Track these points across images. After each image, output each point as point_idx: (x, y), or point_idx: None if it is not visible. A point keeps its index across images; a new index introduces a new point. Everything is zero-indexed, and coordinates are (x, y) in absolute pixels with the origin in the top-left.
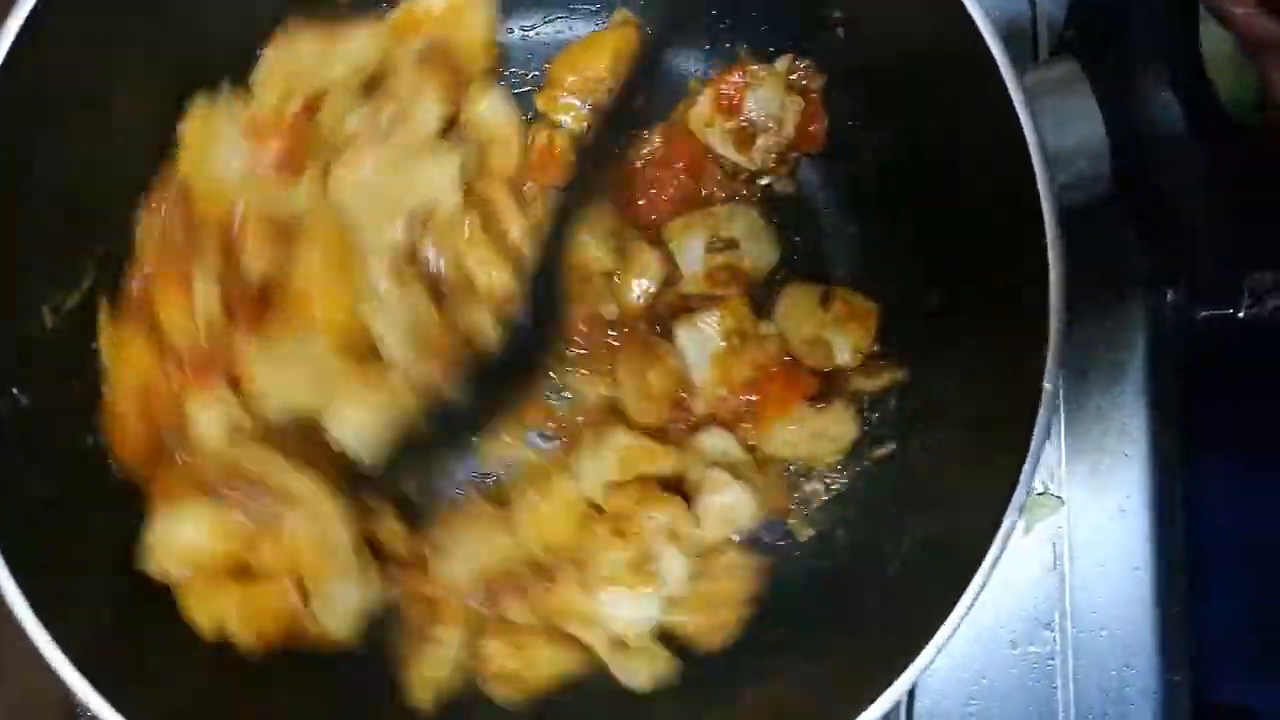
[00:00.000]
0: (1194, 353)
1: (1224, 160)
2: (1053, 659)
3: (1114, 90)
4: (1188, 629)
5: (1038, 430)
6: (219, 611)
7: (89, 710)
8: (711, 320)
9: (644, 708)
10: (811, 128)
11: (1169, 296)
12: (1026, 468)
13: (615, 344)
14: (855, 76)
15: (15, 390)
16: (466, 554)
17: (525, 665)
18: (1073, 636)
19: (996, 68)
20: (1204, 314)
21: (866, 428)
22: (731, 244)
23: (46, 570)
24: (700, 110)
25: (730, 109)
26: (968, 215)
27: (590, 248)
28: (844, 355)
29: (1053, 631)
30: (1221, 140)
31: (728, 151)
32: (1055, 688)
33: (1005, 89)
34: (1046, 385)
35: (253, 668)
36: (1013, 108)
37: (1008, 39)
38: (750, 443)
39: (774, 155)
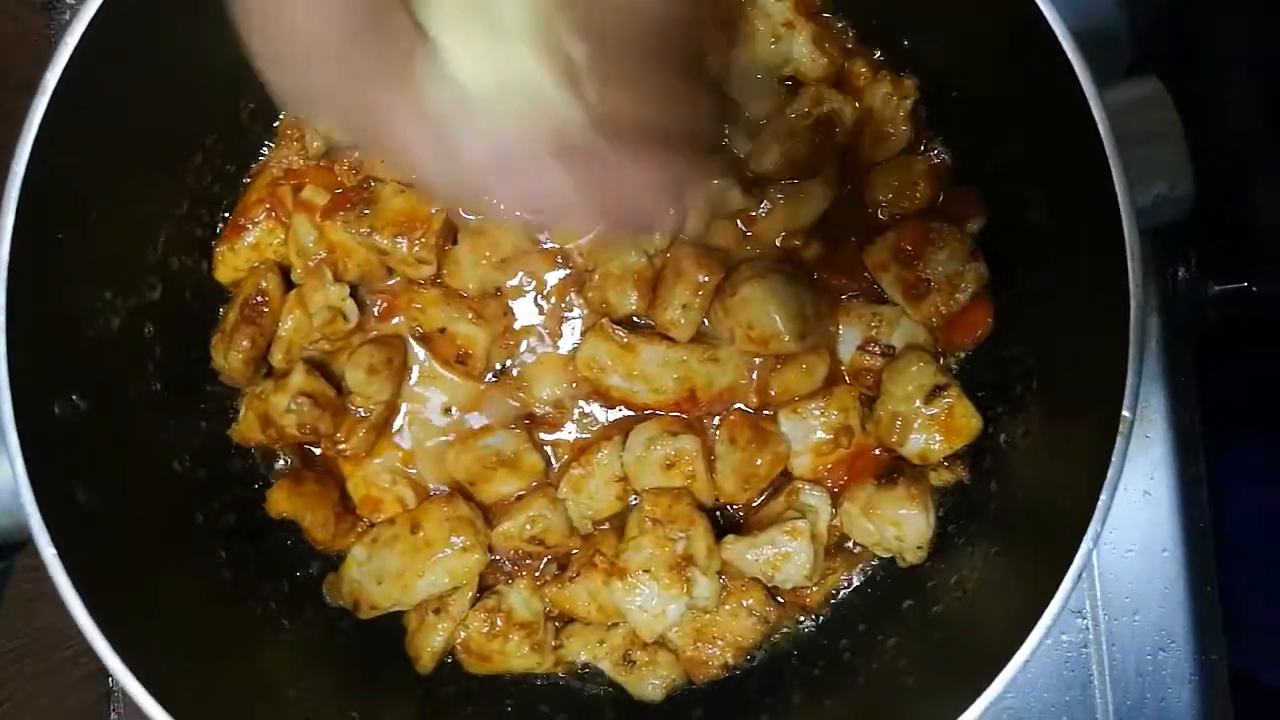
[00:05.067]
0: (1214, 330)
1: None
2: (1086, 646)
3: (1198, 107)
4: (1221, 607)
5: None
6: None
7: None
8: (818, 412)
9: None
10: (976, 327)
11: (1180, 274)
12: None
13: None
14: (940, 88)
15: (74, 396)
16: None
17: (496, 650)
18: (1105, 623)
19: (1079, 85)
20: (1217, 289)
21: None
22: (888, 351)
23: (96, 563)
24: (877, 253)
25: (908, 259)
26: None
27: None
28: (932, 450)
29: (1084, 619)
30: None
31: (897, 298)
32: (1091, 675)
33: (1088, 107)
34: (1126, 414)
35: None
36: (1095, 127)
37: (1091, 55)
38: (834, 521)
39: (936, 319)
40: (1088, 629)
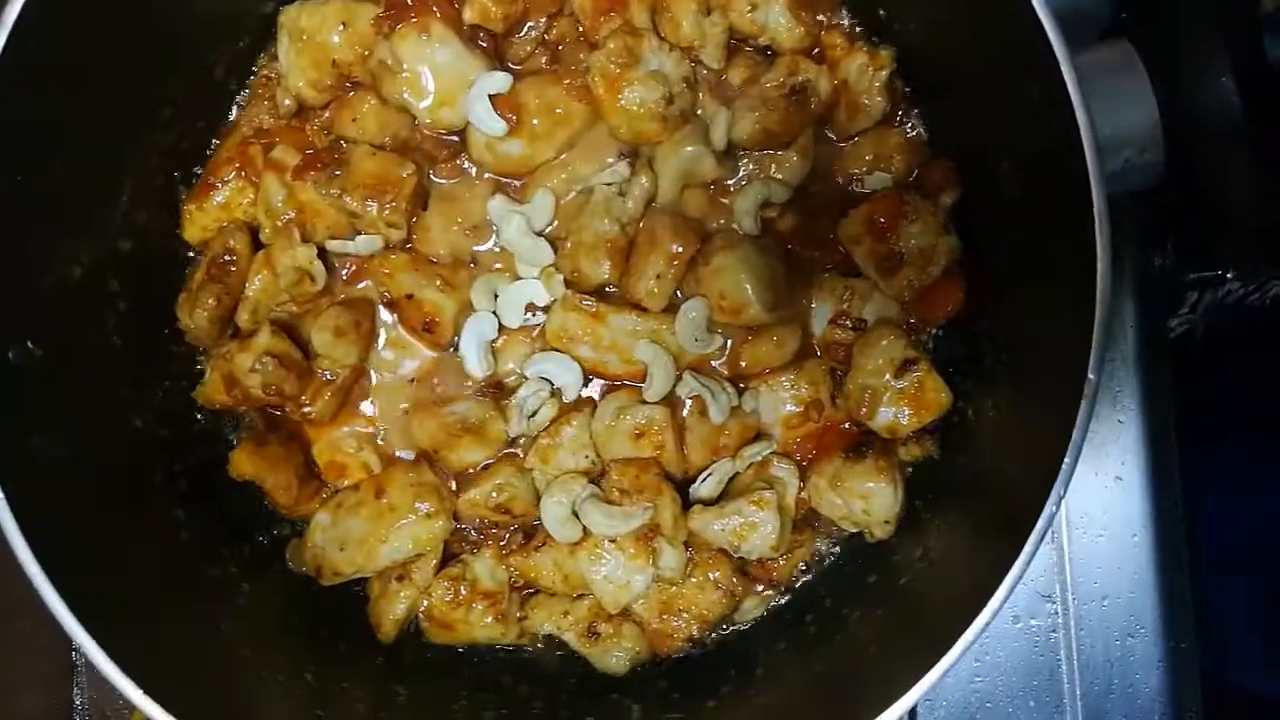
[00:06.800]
0: (1202, 334)
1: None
2: (1055, 631)
3: (1169, 73)
4: (1190, 596)
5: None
6: None
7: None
8: (788, 384)
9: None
10: (947, 301)
11: (1156, 261)
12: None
13: None
14: (916, 59)
15: (30, 343)
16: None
17: (459, 620)
18: (1074, 608)
19: (1050, 47)
20: (1193, 276)
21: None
22: (859, 325)
23: (50, 517)
24: (850, 226)
25: (881, 232)
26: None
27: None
28: (901, 425)
29: (1054, 604)
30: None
31: (869, 271)
32: (1059, 660)
33: (1059, 69)
34: (1090, 376)
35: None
36: (1065, 89)
37: (1065, 21)
38: (802, 495)
39: (909, 293)
40: (1057, 614)
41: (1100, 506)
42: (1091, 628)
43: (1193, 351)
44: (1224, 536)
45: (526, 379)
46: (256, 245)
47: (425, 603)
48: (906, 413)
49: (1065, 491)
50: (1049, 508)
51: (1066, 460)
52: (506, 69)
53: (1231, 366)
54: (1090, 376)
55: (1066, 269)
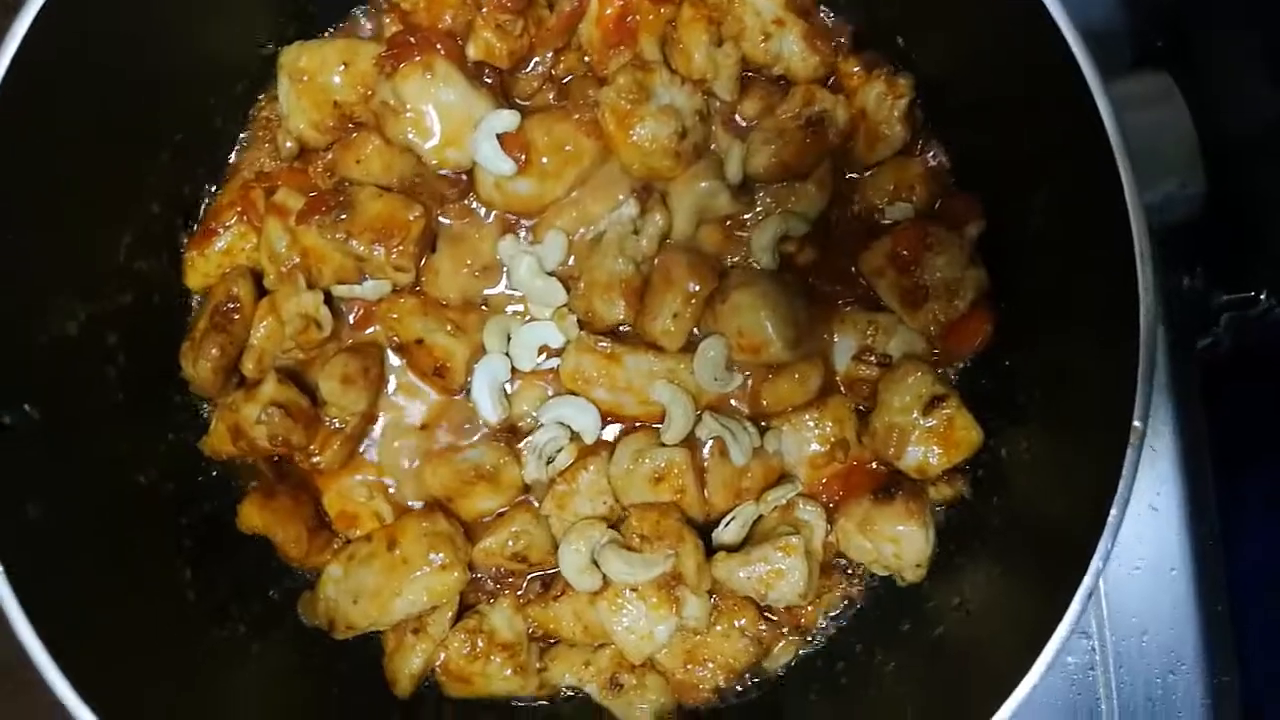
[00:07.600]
0: (1230, 355)
1: None
2: (1093, 669)
3: (1209, 100)
4: (1231, 627)
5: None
6: None
7: None
8: (812, 423)
9: None
10: (975, 335)
11: (1185, 284)
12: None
13: None
14: (936, 87)
15: (27, 406)
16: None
17: (477, 673)
18: (1112, 644)
19: (1084, 78)
20: (1225, 298)
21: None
22: (884, 361)
23: (49, 585)
24: (873, 259)
25: (905, 265)
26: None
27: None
28: (930, 464)
29: (1090, 640)
30: None
31: (893, 305)
32: (1098, 699)
33: (1093, 101)
34: (1136, 424)
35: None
36: (1100, 121)
37: (1094, 50)
38: (830, 538)
39: (934, 327)
40: (1094, 650)
41: (1135, 537)
42: (1130, 665)
43: (1219, 367)
44: (1258, 558)
45: (542, 424)
46: (261, 291)
47: (442, 656)
48: (936, 451)
49: (1112, 545)
50: (1096, 561)
51: (1114, 512)
52: (513, 106)
53: (1258, 382)
54: (1136, 424)
55: (1102, 303)
